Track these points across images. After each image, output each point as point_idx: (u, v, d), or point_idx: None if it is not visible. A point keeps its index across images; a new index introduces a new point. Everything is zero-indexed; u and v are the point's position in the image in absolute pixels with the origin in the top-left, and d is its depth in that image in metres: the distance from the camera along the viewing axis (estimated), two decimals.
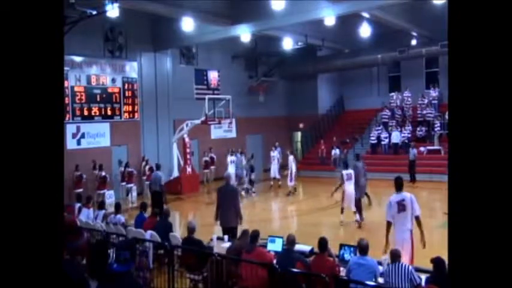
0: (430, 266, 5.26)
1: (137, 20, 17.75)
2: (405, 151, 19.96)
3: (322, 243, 5.74)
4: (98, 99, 17.16)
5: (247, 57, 23.56)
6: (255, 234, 6.26)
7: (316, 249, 6.12)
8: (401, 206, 6.75)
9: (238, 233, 7.88)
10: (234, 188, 9.66)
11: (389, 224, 6.88)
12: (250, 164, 17.75)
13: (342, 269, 5.70)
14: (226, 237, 7.96)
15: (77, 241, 3.54)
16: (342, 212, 12.01)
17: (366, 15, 17.28)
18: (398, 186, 6.97)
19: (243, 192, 16.52)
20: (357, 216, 11.87)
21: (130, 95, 18.26)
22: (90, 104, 16.89)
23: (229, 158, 18.43)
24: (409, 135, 21.08)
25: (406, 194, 6.90)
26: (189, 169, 18.38)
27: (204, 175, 20.10)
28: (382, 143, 21.52)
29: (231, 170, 17.25)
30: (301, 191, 18.39)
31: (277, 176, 18.40)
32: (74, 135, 16.46)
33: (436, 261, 5.09)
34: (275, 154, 18.47)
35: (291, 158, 17.43)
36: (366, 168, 13.00)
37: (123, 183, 16.71)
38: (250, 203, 16.08)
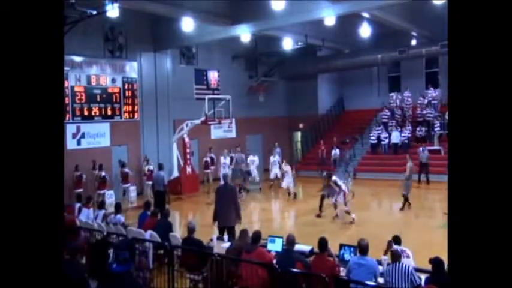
0: (429, 266, 5.27)
1: (137, 20, 17.74)
2: (405, 151, 19.91)
3: (322, 243, 5.75)
4: (98, 99, 17.15)
5: (247, 57, 23.53)
6: (257, 236, 6.25)
7: (316, 249, 6.13)
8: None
9: (237, 232, 7.88)
10: (233, 187, 9.64)
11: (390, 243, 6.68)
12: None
13: (342, 269, 5.70)
14: (226, 237, 7.96)
15: (76, 241, 3.55)
16: (335, 207, 12.53)
17: (366, 15, 17.26)
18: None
19: (243, 192, 16.49)
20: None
21: (130, 95, 18.25)
22: (90, 104, 16.88)
23: (223, 161, 18.47)
24: (409, 135, 21.08)
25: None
26: (189, 169, 18.36)
27: (205, 175, 20.09)
28: (382, 143, 21.52)
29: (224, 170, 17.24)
30: (300, 191, 18.33)
31: (278, 176, 18.40)
32: (74, 135, 16.45)
33: (435, 262, 5.10)
34: (275, 158, 18.55)
35: (287, 167, 16.88)
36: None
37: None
38: (250, 203, 16.05)
